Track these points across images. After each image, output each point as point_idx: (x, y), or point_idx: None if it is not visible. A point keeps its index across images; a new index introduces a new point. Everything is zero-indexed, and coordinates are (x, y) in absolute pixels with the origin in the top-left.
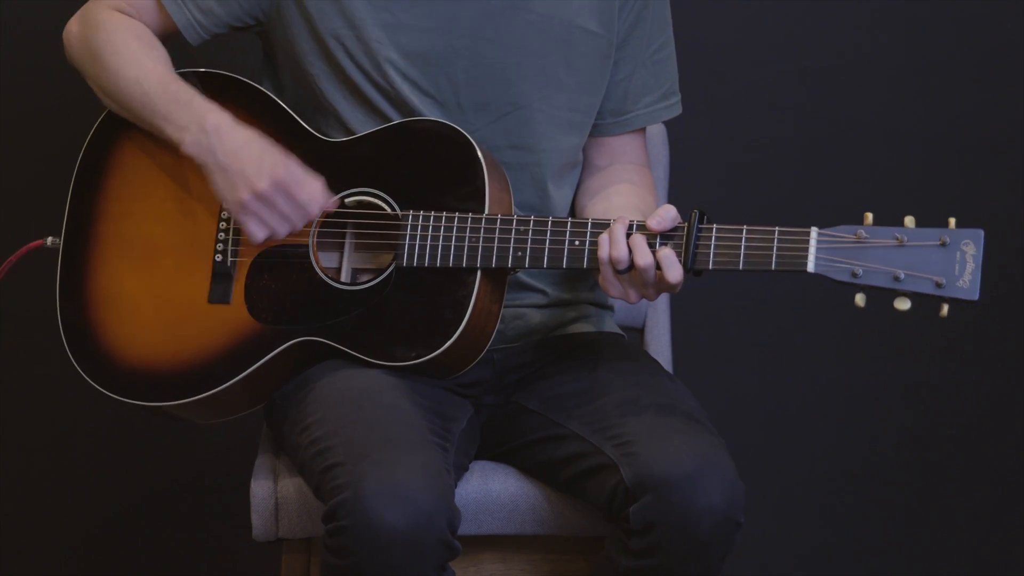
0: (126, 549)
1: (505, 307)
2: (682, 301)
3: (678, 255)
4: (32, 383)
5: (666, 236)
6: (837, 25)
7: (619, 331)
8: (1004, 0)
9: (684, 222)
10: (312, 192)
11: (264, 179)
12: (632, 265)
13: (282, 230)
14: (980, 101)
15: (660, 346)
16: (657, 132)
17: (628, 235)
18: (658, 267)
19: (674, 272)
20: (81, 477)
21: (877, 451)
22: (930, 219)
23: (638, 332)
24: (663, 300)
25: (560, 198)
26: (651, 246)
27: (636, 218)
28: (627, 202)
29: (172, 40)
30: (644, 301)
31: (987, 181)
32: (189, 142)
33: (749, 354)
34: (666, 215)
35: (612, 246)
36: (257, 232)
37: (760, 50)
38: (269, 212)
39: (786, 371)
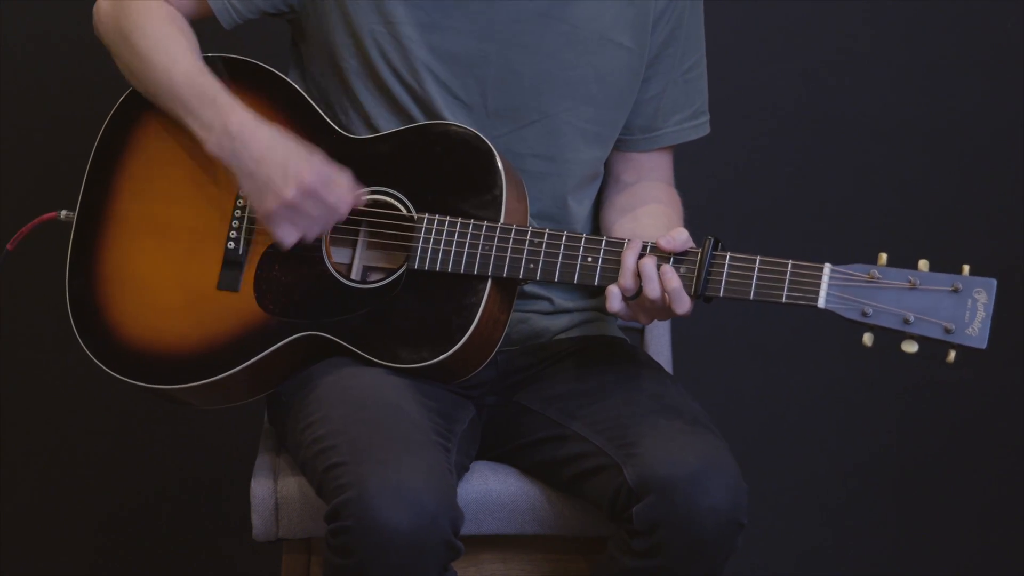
0: (126, 549)
1: None
2: None
3: (689, 280)
4: (32, 383)
5: (679, 259)
6: (840, 27)
7: (622, 335)
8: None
9: (698, 248)
10: (340, 193)
11: (291, 187)
12: (639, 293)
13: (312, 234)
14: (983, 102)
15: (660, 347)
16: None
17: (641, 255)
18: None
19: (681, 306)
20: (81, 476)
21: (878, 452)
22: (930, 219)
23: (638, 332)
24: None
25: (579, 211)
26: (658, 267)
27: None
28: (656, 223)
29: (204, 23)
30: None
31: (986, 180)
32: (213, 143)
33: (749, 355)
34: (677, 236)
35: (620, 275)
36: (287, 238)
37: (763, 52)
38: (298, 218)
39: (786, 372)
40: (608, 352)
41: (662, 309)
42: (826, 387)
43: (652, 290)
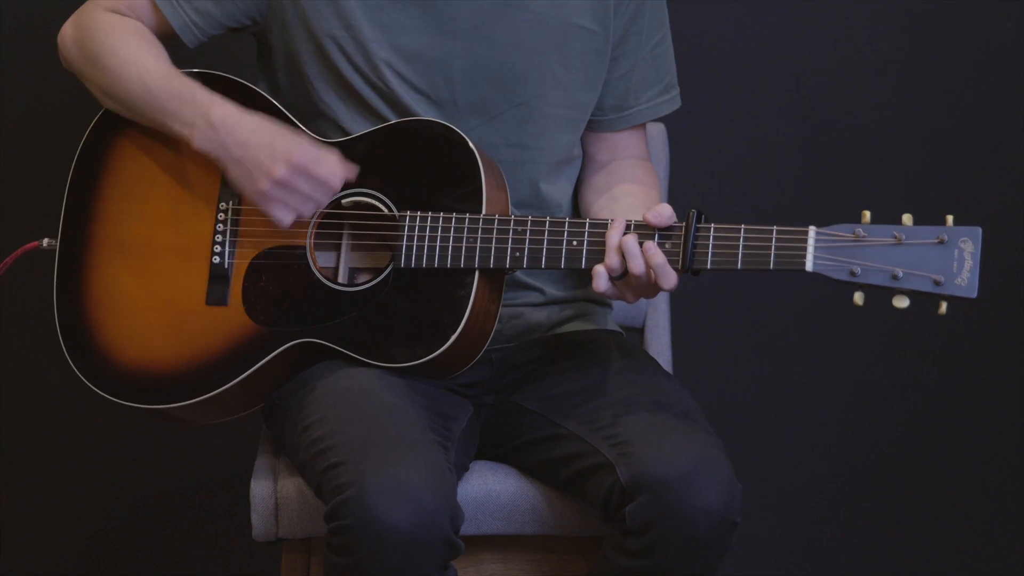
0: (126, 549)
1: (503, 306)
2: (682, 300)
3: (676, 255)
4: (30, 385)
5: (664, 235)
6: (837, 25)
7: (618, 329)
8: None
9: (682, 222)
10: (330, 166)
11: (280, 165)
12: (626, 271)
13: (307, 210)
14: (979, 100)
15: (660, 345)
16: (658, 132)
17: (625, 234)
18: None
19: (668, 281)
20: (80, 479)
21: (875, 450)
22: (928, 216)
23: (638, 332)
24: (663, 299)
25: (554, 194)
26: (641, 244)
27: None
28: (636, 202)
29: (168, 43)
30: (643, 299)
31: (985, 179)
32: (199, 139)
33: (749, 353)
34: (663, 211)
35: (606, 255)
36: (284, 218)
37: (760, 49)
38: (291, 196)
39: (785, 370)
40: (604, 348)
41: (648, 286)
42: (826, 386)
43: (636, 266)
